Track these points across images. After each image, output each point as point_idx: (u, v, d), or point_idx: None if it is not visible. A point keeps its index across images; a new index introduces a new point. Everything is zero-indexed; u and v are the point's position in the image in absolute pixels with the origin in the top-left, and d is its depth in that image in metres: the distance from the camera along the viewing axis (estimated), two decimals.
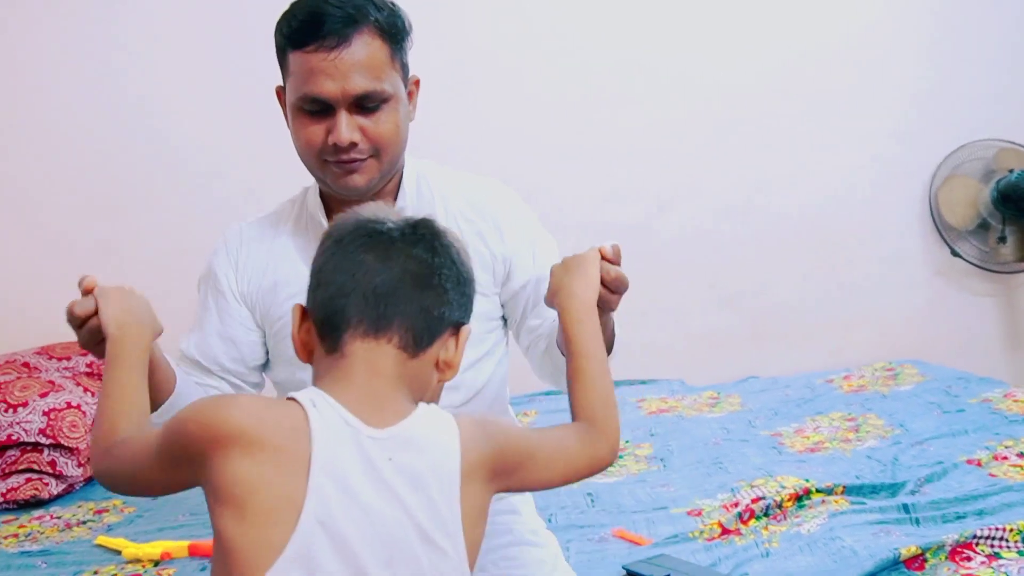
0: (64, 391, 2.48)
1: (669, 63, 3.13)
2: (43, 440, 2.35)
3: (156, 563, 1.85)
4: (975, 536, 1.51)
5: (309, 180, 1.41)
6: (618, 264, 1.15)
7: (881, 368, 2.94)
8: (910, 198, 3.19)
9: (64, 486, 2.38)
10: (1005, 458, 1.95)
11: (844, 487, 1.86)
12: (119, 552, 1.91)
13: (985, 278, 3.20)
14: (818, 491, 1.85)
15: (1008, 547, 1.48)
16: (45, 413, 2.39)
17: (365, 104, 1.25)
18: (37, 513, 2.27)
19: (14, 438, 2.34)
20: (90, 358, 2.78)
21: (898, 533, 1.60)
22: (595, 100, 3.11)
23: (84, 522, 2.17)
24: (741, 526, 1.75)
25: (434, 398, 0.99)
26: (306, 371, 0.98)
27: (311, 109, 1.26)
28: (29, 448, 2.36)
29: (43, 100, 3.07)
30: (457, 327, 0.97)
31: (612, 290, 1.14)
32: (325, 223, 1.34)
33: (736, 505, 1.82)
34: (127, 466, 0.95)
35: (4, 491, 2.31)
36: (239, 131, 2.94)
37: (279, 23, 1.27)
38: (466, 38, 3.09)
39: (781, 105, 3.14)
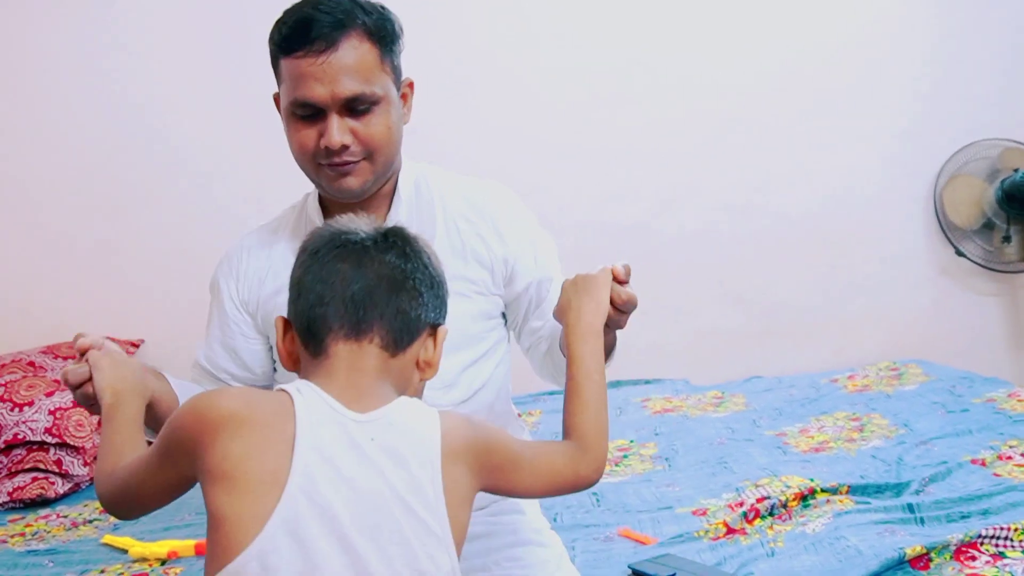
0: (70, 390, 2.48)
1: (672, 62, 3.13)
2: (49, 439, 2.36)
3: (163, 562, 1.86)
4: (980, 536, 1.51)
5: (310, 181, 1.42)
6: (626, 281, 1.17)
7: (885, 368, 2.94)
8: (915, 197, 3.18)
9: (70, 485, 2.39)
10: (1009, 458, 1.95)
11: (849, 487, 1.86)
12: (125, 551, 1.92)
13: (990, 278, 3.20)
14: (823, 491, 1.85)
15: (1013, 547, 1.49)
16: (51, 412, 2.40)
17: (355, 107, 1.26)
18: (43, 512, 2.28)
19: (20, 437, 2.35)
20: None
21: (903, 533, 1.60)
22: (597, 99, 3.11)
23: (90, 521, 2.18)
24: (746, 525, 1.75)
25: (416, 395, 1.02)
26: None
27: (303, 114, 1.28)
28: (35, 447, 2.37)
29: (45, 101, 3.08)
30: (434, 328, 1.01)
31: (622, 311, 1.16)
32: None
33: (741, 505, 1.83)
34: (130, 481, 0.99)
35: (10, 490, 2.32)
36: (240, 132, 2.95)
37: (271, 31, 1.29)
38: (466, 39, 3.10)
39: (786, 104, 3.14)
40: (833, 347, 3.18)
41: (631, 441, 2.43)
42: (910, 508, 1.71)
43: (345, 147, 1.27)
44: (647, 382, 3.06)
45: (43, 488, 2.33)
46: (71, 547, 1.99)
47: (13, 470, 2.35)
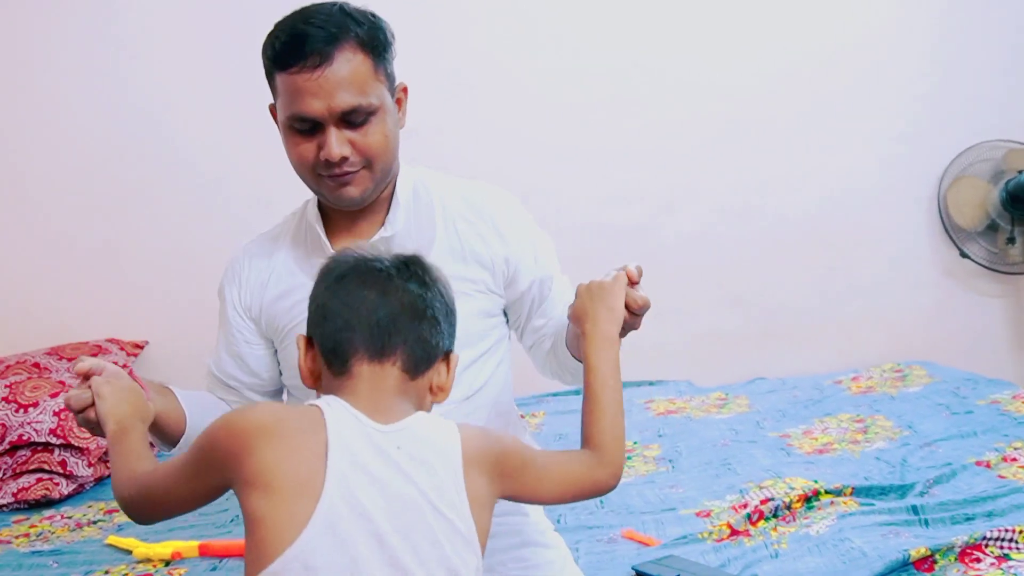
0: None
1: (672, 64, 3.12)
2: (53, 440, 2.37)
3: (167, 563, 1.86)
4: (984, 538, 1.51)
5: (310, 190, 1.43)
6: (638, 282, 1.20)
7: (889, 369, 2.94)
8: (919, 199, 3.18)
9: (74, 486, 2.39)
10: (1014, 460, 1.95)
11: (853, 488, 1.86)
12: (130, 552, 1.92)
13: (994, 279, 3.19)
14: (827, 492, 1.85)
15: (1017, 549, 1.48)
16: (55, 413, 2.40)
17: (352, 119, 1.27)
18: (48, 513, 2.28)
19: (25, 438, 2.36)
20: (100, 358, 2.79)
21: (907, 535, 1.60)
22: (597, 102, 3.11)
23: (95, 522, 2.18)
24: (750, 527, 1.75)
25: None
26: None
27: (301, 128, 1.29)
28: (40, 448, 2.38)
29: (49, 102, 3.08)
30: (447, 355, 1.06)
31: (636, 315, 1.18)
32: (323, 234, 1.38)
33: (745, 506, 1.83)
34: (154, 488, 1.03)
35: (15, 491, 2.33)
36: (245, 134, 2.94)
37: (264, 45, 1.30)
38: (467, 41, 3.10)
39: (789, 105, 3.14)
40: (837, 349, 3.18)
41: (635, 443, 2.43)
42: (914, 510, 1.71)
43: (344, 158, 1.28)
44: (650, 383, 3.06)
45: (47, 489, 2.34)
46: (75, 548, 1.99)
47: (18, 471, 2.36)
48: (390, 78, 1.33)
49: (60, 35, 3.06)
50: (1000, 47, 3.13)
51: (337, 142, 1.27)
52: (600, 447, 1.09)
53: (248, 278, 1.44)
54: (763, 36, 3.13)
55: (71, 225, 3.09)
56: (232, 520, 2.07)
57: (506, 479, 1.01)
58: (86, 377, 1.19)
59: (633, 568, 1.60)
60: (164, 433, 1.31)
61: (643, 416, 2.70)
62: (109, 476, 2.51)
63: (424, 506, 0.93)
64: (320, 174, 1.31)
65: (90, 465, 2.42)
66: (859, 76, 3.13)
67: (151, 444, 1.21)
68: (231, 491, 0.96)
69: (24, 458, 2.37)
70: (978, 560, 1.47)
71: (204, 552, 1.87)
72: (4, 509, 2.33)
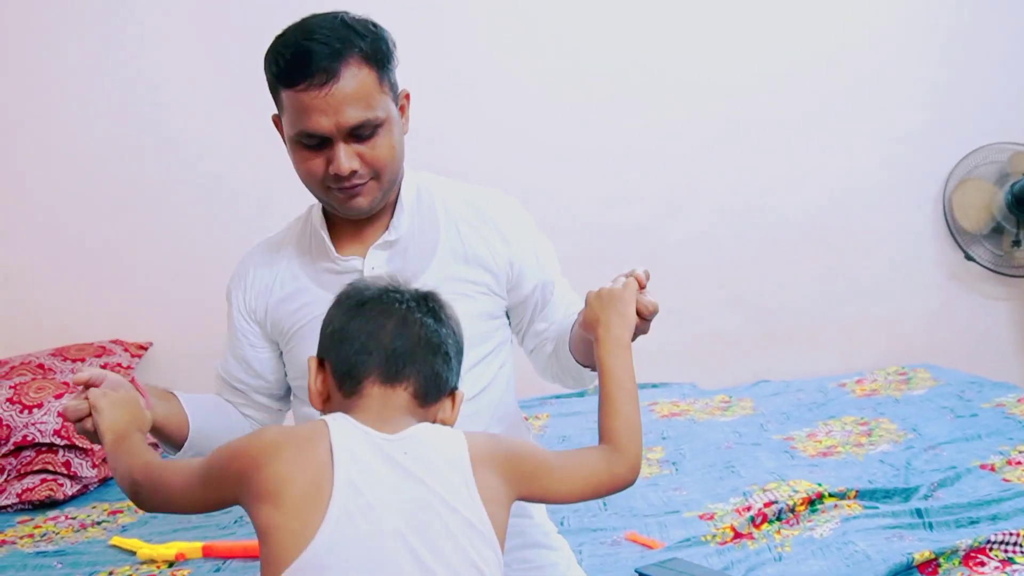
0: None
1: (675, 65, 3.12)
2: (58, 441, 2.37)
3: (170, 564, 1.86)
4: (989, 541, 1.50)
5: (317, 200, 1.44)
6: (644, 286, 1.21)
7: (894, 372, 2.94)
8: (924, 201, 3.18)
9: (79, 487, 2.40)
10: (1019, 463, 1.94)
11: (857, 491, 1.86)
12: (134, 553, 1.92)
13: (999, 282, 3.19)
14: (831, 495, 1.84)
15: (1022, 552, 1.48)
16: (60, 414, 2.40)
17: (360, 133, 1.28)
18: (52, 513, 2.29)
19: (29, 439, 2.36)
20: (104, 360, 2.80)
21: (911, 538, 1.60)
22: (598, 103, 3.11)
23: (99, 523, 2.19)
24: (754, 530, 1.74)
25: None
26: None
27: (309, 143, 1.30)
28: (44, 449, 2.38)
29: (54, 104, 3.09)
30: (453, 392, 1.08)
31: (647, 320, 1.20)
32: (328, 239, 1.39)
33: (748, 509, 1.82)
34: (169, 483, 1.05)
35: (19, 491, 2.33)
36: (250, 136, 2.93)
37: (267, 59, 1.29)
38: (467, 42, 3.10)
39: (792, 106, 3.14)
40: (841, 351, 3.17)
41: None
42: (919, 513, 1.71)
43: (354, 172, 1.29)
44: (654, 386, 3.06)
45: (52, 490, 2.34)
46: (79, 548, 1.99)
47: (22, 472, 2.36)
48: (394, 87, 1.33)
49: (63, 36, 3.06)
50: (1007, 49, 3.13)
51: (346, 157, 1.28)
52: (617, 441, 1.11)
53: (253, 282, 1.45)
54: (766, 36, 3.13)
55: (76, 226, 3.10)
56: (235, 521, 2.08)
57: (522, 480, 1.03)
58: (86, 386, 1.20)
59: (636, 571, 1.59)
60: (168, 438, 1.32)
61: (647, 419, 2.70)
62: (113, 477, 2.53)
63: (437, 505, 0.94)
64: (329, 187, 1.32)
65: (94, 466, 2.43)
66: (863, 76, 3.13)
67: (155, 446, 1.22)
68: None
69: (29, 459, 2.37)
70: (982, 564, 1.47)
71: (208, 553, 1.88)
72: (9, 510, 2.33)
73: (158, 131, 3.07)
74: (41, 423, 2.38)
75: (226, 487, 0.98)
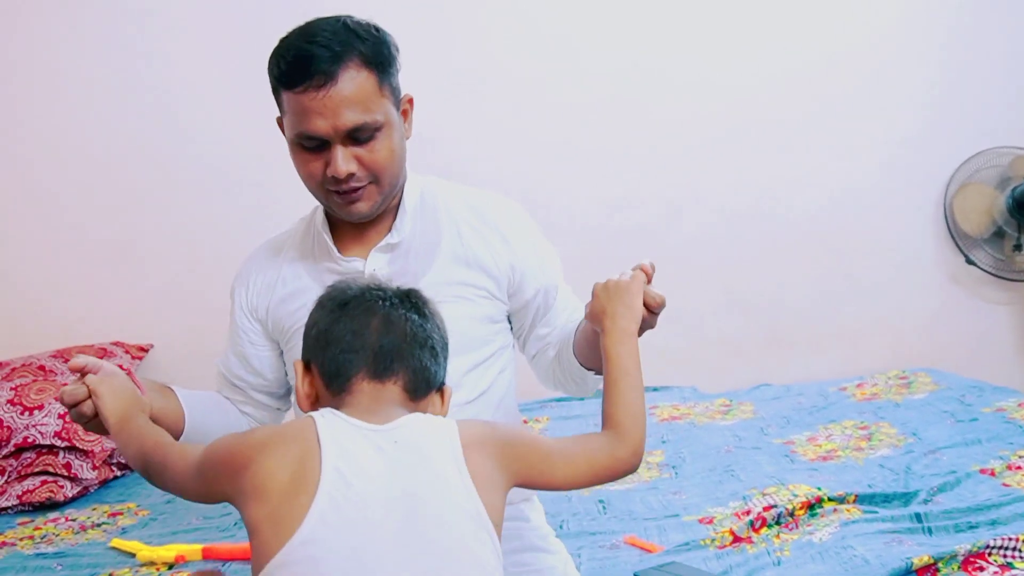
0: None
1: (678, 67, 3.12)
2: (58, 443, 2.38)
3: (170, 566, 1.86)
4: (988, 546, 1.50)
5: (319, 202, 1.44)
6: (650, 280, 1.22)
7: (894, 376, 2.93)
8: (925, 205, 3.18)
9: (79, 488, 2.40)
10: (1019, 468, 1.94)
11: (856, 496, 1.86)
12: (133, 555, 1.92)
13: (1000, 286, 3.19)
14: (830, 499, 1.84)
15: (1021, 557, 1.48)
16: (61, 416, 2.41)
17: (358, 136, 1.29)
18: (52, 515, 2.29)
19: (30, 440, 2.37)
20: (101, 365, 2.80)
21: (910, 542, 1.60)
22: (601, 105, 3.11)
23: (99, 524, 2.19)
24: (753, 534, 1.74)
25: None
26: None
27: (308, 145, 1.31)
28: (45, 450, 2.39)
29: (56, 106, 3.09)
30: (441, 388, 1.08)
31: (654, 313, 1.21)
32: (330, 241, 1.40)
33: (748, 513, 1.82)
34: (172, 469, 1.06)
35: (20, 493, 2.33)
36: (255, 139, 2.94)
37: (270, 63, 1.31)
38: (469, 45, 3.10)
39: (794, 109, 3.14)
40: (842, 355, 3.17)
41: None
42: (918, 518, 1.70)
43: (351, 175, 1.30)
44: (655, 389, 3.06)
45: (52, 491, 2.34)
46: (79, 550, 1.99)
47: (23, 473, 2.37)
48: (395, 92, 1.34)
49: (65, 36, 3.06)
50: (1008, 53, 3.13)
51: (343, 159, 1.29)
52: (619, 426, 1.10)
53: (256, 281, 1.47)
54: (767, 39, 3.13)
55: (77, 228, 3.10)
56: (235, 524, 2.08)
57: (519, 465, 1.02)
58: (82, 373, 1.22)
59: (635, 574, 1.59)
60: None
61: (647, 422, 2.68)
62: (113, 479, 2.53)
63: (428, 493, 0.94)
64: (329, 189, 1.33)
65: (95, 468, 2.43)
66: (864, 80, 3.13)
67: None
68: None
69: (29, 460, 2.38)
70: (981, 569, 1.46)
71: (207, 555, 1.88)
72: (9, 511, 2.33)
73: (160, 133, 3.07)
74: (42, 425, 2.38)
75: (216, 484, 0.99)
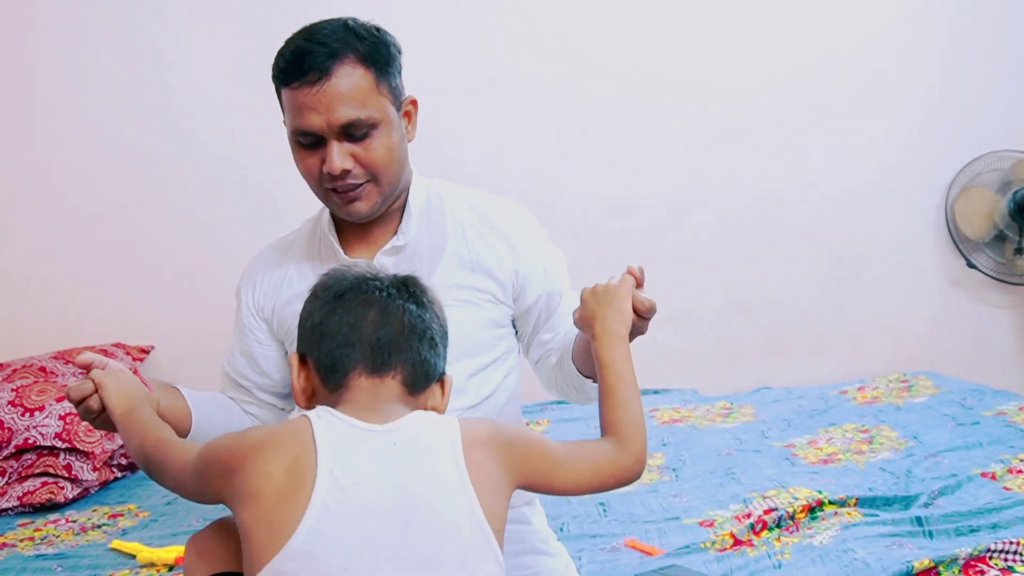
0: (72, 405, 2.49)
1: (683, 69, 3.13)
2: (59, 444, 2.38)
3: (170, 568, 1.86)
4: (989, 550, 1.50)
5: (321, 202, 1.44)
6: (642, 284, 1.20)
7: (896, 380, 2.93)
8: (926, 208, 3.18)
9: (79, 490, 2.40)
10: (1020, 471, 1.94)
11: (857, 499, 1.86)
12: (133, 556, 1.92)
13: (1001, 290, 3.19)
14: (831, 503, 1.84)
15: (1022, 561, 1.48)
16: (61, 417, 2.41)
17: (353, 132, 1.29)
18: (53, 516, 2.29)
19: (31, 442, 2.37)
20: (107, 362, 2.80)
21: (911, 546, 1.60)
22: (603, 109, 3.12)
23: (99, 526, 2.19)
24: (753, 537, 1.74)
25: None
26: None
27: (305, 142, 1.32)
28: (45, 452, 2.38)
29: (56, 107, 3.09)
30: (441, 378, 1.06)
31: (644, 318, 1.19)
32: (336, 243, 1.41)
33: (748, 516, 1.82)
34: (171, 464, 1.05)
35: (20, 494, 2.33)
36: (258, 140, 2.95)
37: (273, 62, 1.32)
38: (473, 47, 3.10)
39: (795, 113, 3.14)
40: (843, 358, 3.17)
41: None
42: (919, 521, 1.70)
43: (347, 171, 1.30)
44: (655, 392, 3.06)
45: (52, 493, 2.34)
46: (80, 552, 1.99)
47: (23, 474, 2.36)
48: (394, 91, 1.34)
49: (67, 38, 3.07)
50: (1009, 56, 3.13)
51: (339, 156, 1.29)
52: (621, 433, 1.09)
53: (263, 280, 1.47)
54: (771, 43, 3.13)
55: (78, 229, 3.10)
56: None
57: (522, 467, 1.00)
58: (88, 369, 1.22)
59: None
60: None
61: (647, 425, 2.66)
62: (114, 480, 2.53)
63: (424, 500, 0.92)
64: (327, 188, 1.34)
65: (95, 469, 2.43)
66: (867, 83, 3.13)
67: None
68: None
69: (30, 462, 2.38)
70: (982, 572, 1.46)
71: None
72: (9, 512, 2.33)
73: (162, 134, 3.07)
74: (42, 426, 2.38)
75: (211, 483, 0.97)
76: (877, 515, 1.79)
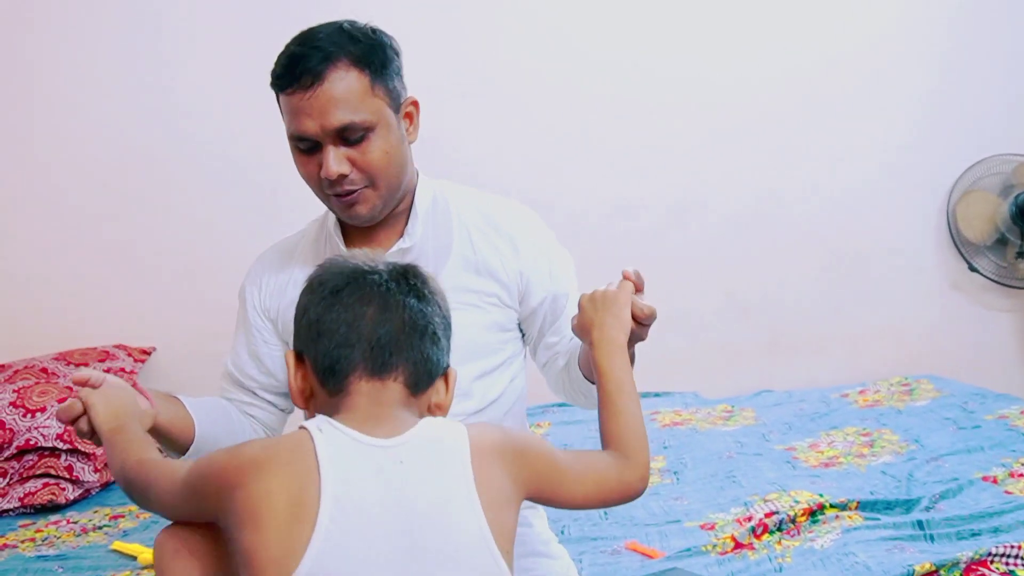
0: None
1: (684, 71, 3.12)
2: (60, 445, 2.38)
3: None
4: (990, 554, 1.50)
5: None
6: (642, 288, 1.19)
7: (897, 383, 2.93)
8: (928, 212, 3.18)
9: (81, 491, 2.40)
10: (1021, 475, 1.94)
11: (858, 502, 1.86)
12: (135, 558, 1.92)
13: (1002, 293, 3.18)
14: (832, 506, 1.84)
15: (1023, 565, 1.48)
16: (56, 416, 2.41)
17: (348, 136, 1.29)
18: (54, 518, 2.29)
19: (32, 443, 2.37)
20: (107, 364, 2.80)
21: (912, 550, 1.60)
22: (604, 111, 3.11)
23: (100, 527, 2.19)
24: (754, 540, 1.74)
25: None
26: None
27: (303, 147, 1.32)
28: (47, 453, 2.39)
29: (57, 108, 3.09)
30: (445, 371, 1.01)
31: (644, 324, 1.17)
32: (342, 244, 1.40)
33: (749, 519, 1.82)
34: (156, 483, 1.00)
35: (21, 495, 2.33)
36: (255, 141, 2.95)
37: (271, 70, 1.32)
38: (474, 47, 3.09)
39: (799, 114, 3.14)
40: (844, 361, 3.17)
41: None
42: (920, 525, 1.70)
43: (343, 176, 1.30)
44: (656, 395, 3.06)
45: (54, 494, 2.34)
46: (81, 553, 1.99)
47: (24, 475, 2.37)
48: (392, 94, 1.33)
49: (69, 40, 3.07)
50: (1011, 60, 3.13)
51: (335, 160, 1.29)
52: (625, 448, 1.07)
53: (268, 282, 1.47)
54: (772, 45, 3.13)
55: (79, 230, 3.10)
56: None
57: (529, 478, 0.98)
58: (83, 386, 1.19)
59: None
60: (173, 441, 1.32)
61: (649, 428, 2.64)
62: (115, 482, 2.53)
63: (432, 524, 0.89)
64: (327, 192, 1.33)
65: (96, 471, 2.43)
66: (869, 85, 3.13)
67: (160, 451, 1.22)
68: None
69: (31, 463, 2.38)
70: None
71: None
72: (10, 513, 2.33)
73: (163, 135, 3.07)
74: (44, 427, 2.38)
75: (204, 503, 0.93)
76: (878, 519, 1.79)
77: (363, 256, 1.01)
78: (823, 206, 3.16)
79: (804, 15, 3.13)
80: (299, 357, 0.99)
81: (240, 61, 2.95)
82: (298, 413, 1.53)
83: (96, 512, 2.31)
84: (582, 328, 1.18)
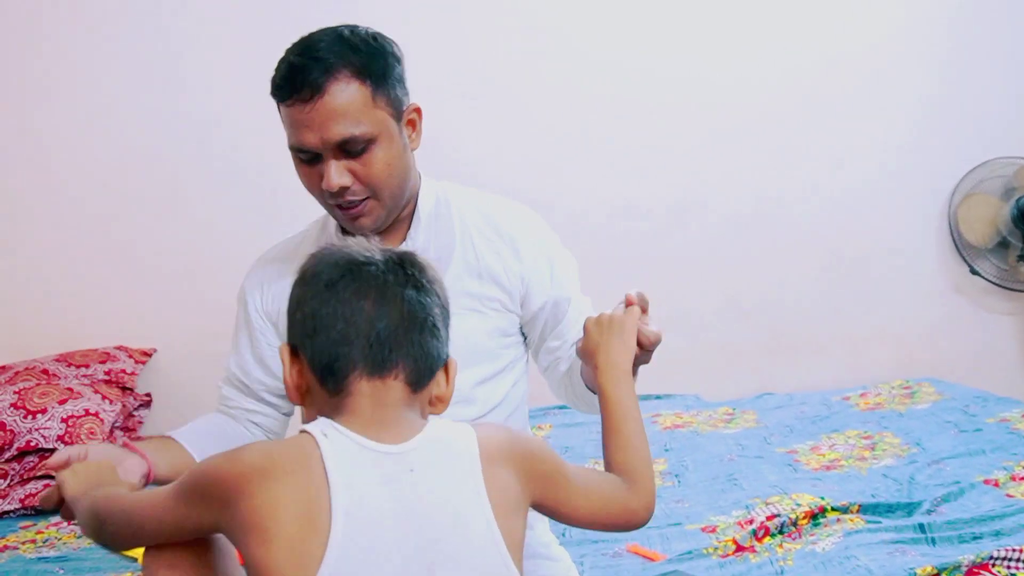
0: (82, 398, 2.50)
1: (685, 72, 3.13)
2: (61, 447, 2.38)
3: None
4: (991, 557, 1.50)
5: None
6: (647, 310, 1.18)
7: (898, 386, 2.93)
8: (929, 215, 3.18)
9: None
10: (1023, 479, 1.94)
11: (860, 505, 1.85)
12: (135, 560, 1.92)
13: (1004, 296, 3.18)
14: (833, 509, 1.84)
15: None
16: (63, 420, 2.41)
17: (350, 148, 1.27)
18: (54, 519, 2.28)
19: (33, 444, 2.37)
20: (108, 366, 2.80)
21: (914, 553, 1.59)
22: (606, 108, 3.11)
23: None
24: (756, 543, 1.74)
25: None
26: None
27: (304, 158, 1.30)
28: (47, 454, 2.39)
29: (59, 111, 3.09)
30: (445, 362, 0.99)
31: (648, 350, 1.18)
32: None
33: (751, 522, 1.82)
34: (137, 509, 0.97)
35: (22, 497, 2.33)
36: (255, 143, 2.95)
37: (271, 79, 1.30)
38: (474, 48, 3.10)
39: (800, 116, 3.14)
40: (845, 364, 3.17)
41: None
42: (921, 528, 1.70)
43: (345, 188, 1.28)
44: (657, 397, 3.06)
45: None
46: (81, 554, 1.99)
47: (25, 477, 2.37)
48: (394, 103, 1.30)
49: (71, 40, 3.07)
50: (1013, 62, 3.13)
51: (336, 173, 1.27)
52: (632, 476, 1.06)
53: (270, 285, 1.45)
54: (773, 47, 3.13)
55: (80, 231, 3.10)
56: None
57: (538, 483, 0.97)
58: (61, 468, 1.15)
59: None
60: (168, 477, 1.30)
61: (650, 430, 2.65)
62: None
63: (440, 531, 0.88)
64: (330, 203, 1.32)
65: None
66: (871, 88, 3.13)
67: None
68: None
69: (32, 464, 2.38)
70: None
71: None
72: (11, 515, 2.33)
73: (164, 135, 3.07)
74: (45, 428, 2.38)
75: (207, 512, 0.90)
76: (880, 522, 1.79)
77: (358, 245, 0.98)
78: (824, 207, 3.16)
79: (804, 15, 3.13)
80: (294, 351, 0.96)
81: (241, 62, 2.95)
82: (297, 415, 1.53)
83: None
84: (587, 352, 1.17)
